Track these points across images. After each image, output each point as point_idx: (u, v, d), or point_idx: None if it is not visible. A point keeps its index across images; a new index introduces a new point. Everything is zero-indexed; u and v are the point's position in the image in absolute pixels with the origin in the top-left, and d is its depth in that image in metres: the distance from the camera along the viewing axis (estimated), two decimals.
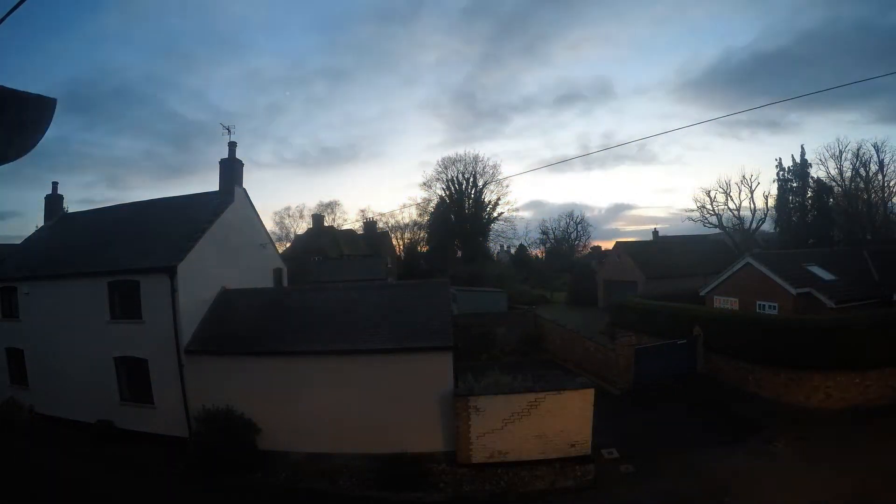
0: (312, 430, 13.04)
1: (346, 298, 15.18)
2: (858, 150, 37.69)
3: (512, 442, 12.06)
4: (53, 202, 20.05)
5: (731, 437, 12.94)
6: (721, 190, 44.75)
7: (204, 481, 12.18)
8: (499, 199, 53.14)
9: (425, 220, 53.86)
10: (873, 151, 36.82)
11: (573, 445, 12.06)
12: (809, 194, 37.37)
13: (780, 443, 12.39)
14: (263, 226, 19.93)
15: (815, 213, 36.07)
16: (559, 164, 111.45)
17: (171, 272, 13.56)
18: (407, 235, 56.14)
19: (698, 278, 27.91)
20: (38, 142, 2.28)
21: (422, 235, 54.71)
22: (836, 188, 38.15)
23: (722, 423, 13.93)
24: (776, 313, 19.69)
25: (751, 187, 43.70)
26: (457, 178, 51.93)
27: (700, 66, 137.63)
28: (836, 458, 11.31)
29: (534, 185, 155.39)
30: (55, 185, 20.22)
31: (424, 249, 52.54)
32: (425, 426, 12.57)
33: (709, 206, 45.01)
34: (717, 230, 45.22)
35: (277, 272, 20.48)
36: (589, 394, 12.05)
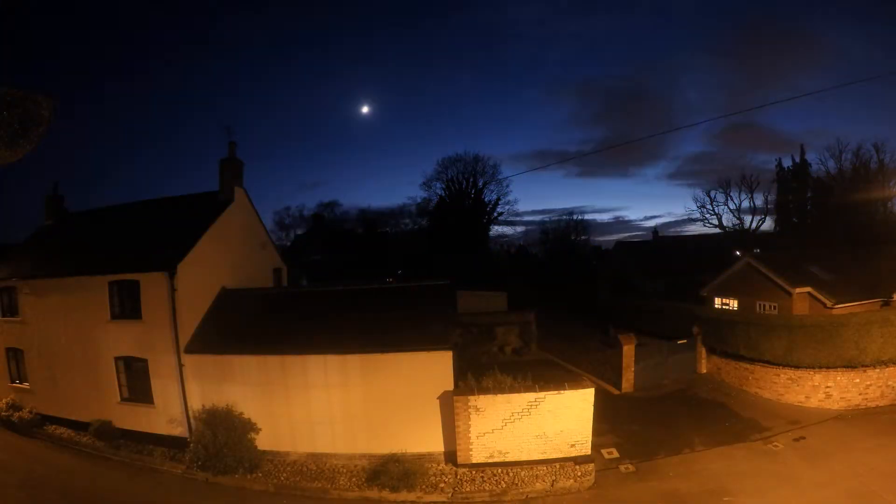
0: (312, 430, 13.06)
1: (345, 298, 15.19)
2: (858, 150, 37.76)
3: (512, 442, 12.07)
4: (53, 202, 20.05)
5: (731, 437, 12.95)
6: (721, 190, 44.80)
7: (204, 481, 12.20)
8: (499, 199, 53.21)
9: (425, 220, 53.87)
10: (873, 151, 36.89)
11: (573, 445, 12.06)
12: (809, 194, 37.36)
13: (780, 443, 12.39)
14: (263, 226, 19.94)
15: (815, 213, 36.07)
16: (561, 165, 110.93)
17: (171, 272, 13.56)
18: (407, 235, 56.08)
19: (698, 278, 27.88)
20: (39, 140, 2.28)
21: (422, 235, 54.68)
22: (836, 188, 38.15)
23: (722, 423, 13.93)
24: (776, 313, 19.69)
25: (751, 187, 43.73)
26: (457, 177, 51.97)
27: None
28: (835, 458, 11.32)
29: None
30: (55, 184, 20.23)
31: (424, 249, 52.50)
32: (425, 426, 12.57)
33: (709, 206, 45.06)
34: (717, 230, 45.24)
35: (277, 272, 20.50)
36: (589, 394, 12.05)
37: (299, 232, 53.57)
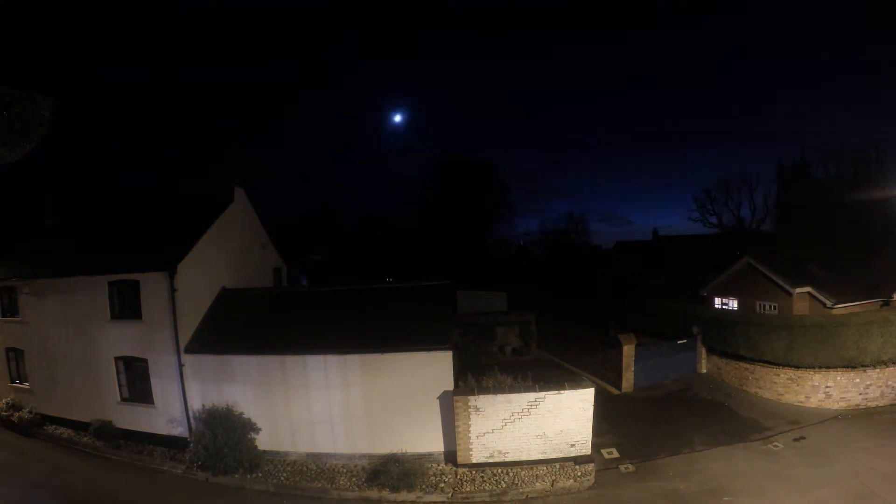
0: (312, 430, 13.07)
1: (345, 298, 15.19)
2: (858, 150, 37.72)
3: (512, 442, 12.07)
4: (54, 202, 20.05)
5: (731, 436, 12.95)
6: (721, 189, 44.73)
7: (204, 481, 12.20)
8: (499, 198, 53.27)
9: (426, 220, 53.89)
10: (873, 151, 36.84)
11: (573, 445, 12.06)
12: (809, 194, 37.31)
13: (780, 443, 12.40)
14: (263, 226, 19.92)
15: (815, 212, 36.05)
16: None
17: (171, 272, 13.57)
18: (407, 235, 56.08)
19: (698, 278, 27.88)
20: (37, 140, 2.28)
21: (422, 235, 54.69)
22: (836, 188, 38.10)
23: (722, 423, 13.93)
24: (776, 313, 19.69)
25: (751, 187, 43.67)
26: (457, 177, 51.98)
27: None
28: (836, 458, 11.32)
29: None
30: (56, 184, 20.27)
31: (424, 249, 52.53)
32: (425, 426, 12.57)
33: (709, 206, 44.99)
34: (717, 230, 45.19)
35: (277, 272, 20.51)
36: (589, 394, 12.05)
37: (300, 232, 53.55)
